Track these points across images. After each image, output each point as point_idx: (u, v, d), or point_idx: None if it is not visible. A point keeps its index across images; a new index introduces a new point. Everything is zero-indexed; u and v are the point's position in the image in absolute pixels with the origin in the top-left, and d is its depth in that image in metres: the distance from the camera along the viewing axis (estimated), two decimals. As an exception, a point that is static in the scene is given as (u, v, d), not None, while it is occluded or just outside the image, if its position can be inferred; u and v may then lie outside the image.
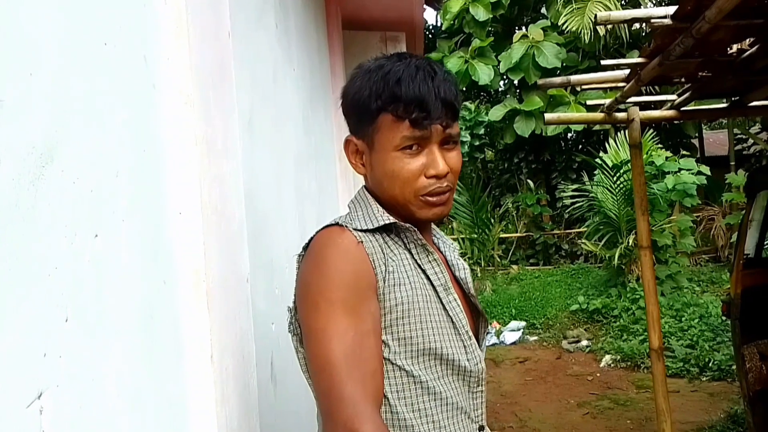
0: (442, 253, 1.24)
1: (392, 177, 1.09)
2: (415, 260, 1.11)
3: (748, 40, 2.66)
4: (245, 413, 1.17)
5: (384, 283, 1.03)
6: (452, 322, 1.11)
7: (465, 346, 1.11)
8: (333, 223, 1.10)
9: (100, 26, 0.81)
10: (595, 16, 2.45)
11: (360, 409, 0.95)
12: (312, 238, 1.10)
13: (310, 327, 1.02)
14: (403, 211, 1.11)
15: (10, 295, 0.60)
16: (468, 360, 1.11)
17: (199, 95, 1.05)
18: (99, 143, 0.78)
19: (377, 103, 1.08)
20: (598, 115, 3.90)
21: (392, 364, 1.04)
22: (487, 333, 1.20)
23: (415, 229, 1.11)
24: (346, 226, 1.07)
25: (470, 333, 1.13)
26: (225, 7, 1.26)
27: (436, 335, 1.07)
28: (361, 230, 1.07)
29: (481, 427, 1.15)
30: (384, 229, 1.11)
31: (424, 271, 1.11)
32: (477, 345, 1.14)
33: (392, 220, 1.10)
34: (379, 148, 1.10)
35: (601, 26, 10.21)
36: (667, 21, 2.36)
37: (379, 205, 1.13)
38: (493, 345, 7.82)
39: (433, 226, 1.28)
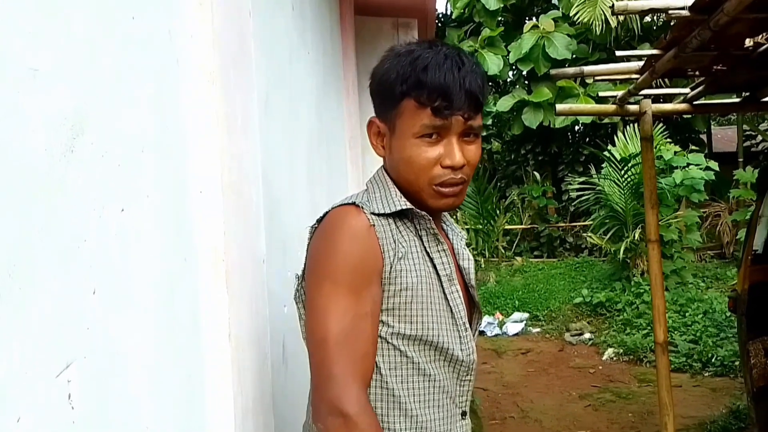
0: (450, 240, 1.25)
1: (409, 163, 1.10)
2: (425, 247, 1.13)
3: (763, 35, 2.64)
4: (260, 392, 1.17)
5: (391, 268, 1.06)
6: (451, 312, 1.13)
7: (460, 337, 1.14)
8: (350, 202, 1.12)
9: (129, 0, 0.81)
10: (613, 5, 2.43)
11: (347, 389, 1.00)
12: (327, 212, 1.13)
13: (313, 302, 1.06)
14: (416, 198, 1.13)
15: (42, 265, 0.60)
16: (461, 350, 1.14)
17: (221, 73, 1.04)
18: (126, 117, 0.78)
19: (402, 88, 1.08)
20: (610, 107, 3.88)
21: (388, 342, 1.08)
22: (479, 324, 1.24)
23: (430, 218, 1.13)
24: (362, 207, 1.09)
25: (467, 324, 1.16)
26: (246, -14, 1.26)
27: (434, 324, 1.10)
28: (376, 214, 1.09)
29: (464, 413, 1.18)
30: (398, 214, 1.12)
31: (431, 260, 1.13)
32: (472, 336, 1.17)
33: (409, 206, 1.12)
34: (400, 134, 1.11)
35: (613, 18, 10.12)
36: (685, 12, 2.34)
37: (397, 189, 1.14)
38: (496, 336, 7.84)
39: (445, 213, 1.29)
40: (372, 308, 1.06)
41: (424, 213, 1.12)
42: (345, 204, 1.12)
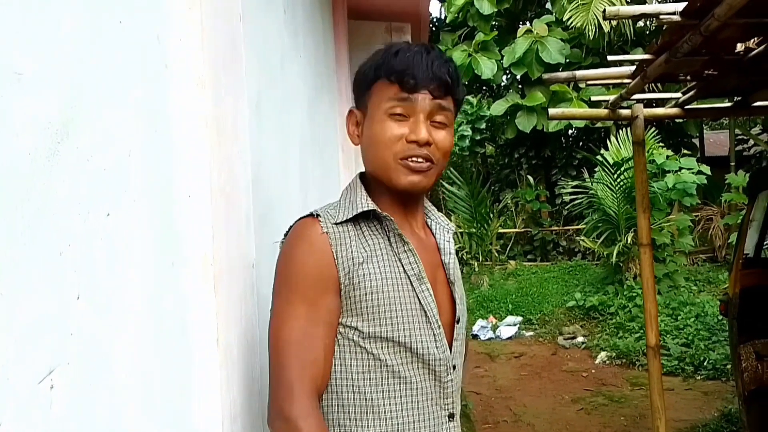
0: (434, 236, 1.27)
1: (376, 140, 1.14)
2: (393, 248, 1.15)
3: (754, 39, 2.66)
4: (248, 398, 1.17)
5: (350, 273, 1.09)
6: (424, 311, 1.14)
7: (435, 335, 1.15)
8: (308, 213, 1.16)
9: (117, 3, 0.81)
10: (604, 11, 2.44)
11: (292, 394, 1.04)
12: (291, 226, 1.17)
13: (272, 309, 1.11)
14: (384, 177, 1.15)
15: (25, 270, 0.59)
16: (437, 348, 1.14)
17: (211, 77, 1.04)
18: (112, 121, 0.78)
19: (375, 72, 1.16)
20: (602, 112, 3.90)
21: (360, 347, 1.10)
22: (457, 321, 1.22)
23: (392, 219, 1.15)
24: (319, 217, 1.13)
25: (440, 323, 1.16)
26: (237, -10, 1.25)
27: (405, 324, 1.11)
28: (337, 223, 1.12)
29: (451, 415, 1.17)
30: (365, 216, 1.15)
31: (400, 260, 1.14)
32: (445, 335, 1.17)
33: (372, 207, 1.14)
34: (371, 114, 1.16)
35: (606, 23, 10.17)
36: (676, 17, 2.35)
37: (364, 192, 1.17)
38: (489, 339, 7.85)
39: (430, 206, 1.31)
40: (326, 316, 1.09)
41: (386, 215, 1.15)
42: (304, 216, 1.17)
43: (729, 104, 4.00)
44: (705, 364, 6.05)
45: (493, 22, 12.40)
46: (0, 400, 0.55)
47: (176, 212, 0.98)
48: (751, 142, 13.25)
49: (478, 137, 12.99)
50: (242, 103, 1.27)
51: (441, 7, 13.67)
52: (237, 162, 1.20)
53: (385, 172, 1.15)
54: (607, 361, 6.69)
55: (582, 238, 9.58)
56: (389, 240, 1.15)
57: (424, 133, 1.12)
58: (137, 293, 0.83)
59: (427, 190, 1.19)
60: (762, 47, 2.62)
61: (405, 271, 1.14)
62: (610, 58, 3.33)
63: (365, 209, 1.14)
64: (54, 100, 0.65)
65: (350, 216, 1.13)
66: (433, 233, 1.27)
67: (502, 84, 13.52)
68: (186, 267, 0.99)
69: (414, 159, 1.12)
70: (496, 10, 11.75)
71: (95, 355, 0.71)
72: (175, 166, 0.98)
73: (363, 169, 1.24)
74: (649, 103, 3.90)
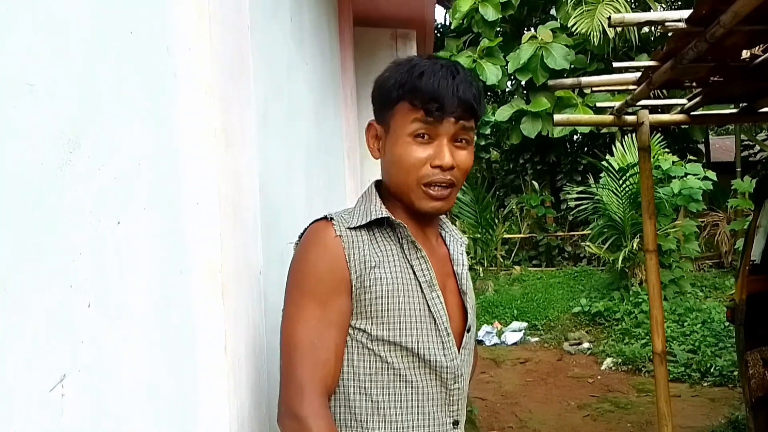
0: (447, 246, 1.27)
1: (399, 162, 1.14)
2: (405, 255, 1.15)
3: (760, 46, 2.66)
4: (256, 405, 1.17)
5: (361, 277, 1.10)
6: (434, 318, 1.14)
7: (443, 343, 1.15)
8: (322, 217, 1.17)
9: (127, 15, 0.82)
10: (609, 17, 2.45)
11: (303, 394, 1.05)
12: (305, 229, 1.18)
13: (284, 310, 1.12)
14: (406, 199, 1.16)
15: (37, 279, 0.60)
16: (445, 356, 1.15)
17: (219, 86, 1.05)
18: (123, 131, 0.79)
19: (398, 92, 1.14)
20: (608, 118, 3.89)
21: (369, 349, 1.11)
22: (467, 330, 1.22)
23: (405, 225, 1.16)
24: (332, 220, 1.14)
25: (449, 330, 1.17)
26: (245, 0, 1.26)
27: (414, 329, 1.12)
28: (351, 227, 1.13)
29: (456, 422, 1.18)
30: (379, 223, 1.16)
31: (412, 267, 1.15)
32: (454, 343, 1.17)
33: (385, 214, 1.15)
34: (393, 133, 1.15)
35: (611, 29, 10.17)
36: (682, 24, 2.35)
37: (379, 200, 1.18)
38: (494, 345, 7.83)
39: (444, 219, 1.32)
40: (338, 318, 1.10)
41: (399, 222, 1.15)
42: (319, 219, 1.17)
43: (735, 110, 3.99)
44: (712, 370, 6.02)
45: (498, 29, 12.41)
46: (12, 407, 0.56)
47: (185, 220, 0.99)
48: (757, 147, 13.21)
49: (483, 143, 12.99)
50: (249, 112, 1.28)
51: (446, 13, 13.70)
52: (244, 170, 1.21)
53: (407, 195, 1.16)
54: (613, 367, 6.66)
55: (587, 243, 9.56)
56: (402, 247, 1.16)
57: (448, 158, 1.12)
58: (146, 300, 0.83)
59: (447, 211, 1.21)
60: (768, 54, 2.62)
61: (416, 278, 1.15)
62: (615, 64, 3.33)
63: (379, 216, 1.15)
64: (66, 110, 0.66)
65: (364, 222, 1.14)
66: (446, 244, 1.28)
67: (507, 90, 13.51)
68: (194, 274, 1.00)
69: (436, 187, 1.13)
70: (500, 16, 11.76)
71: (105, 362, 0.72)
72: (183, 174, 0.99)
73: (370, 177, 1.25)
74: (654, 109, 3.90)
